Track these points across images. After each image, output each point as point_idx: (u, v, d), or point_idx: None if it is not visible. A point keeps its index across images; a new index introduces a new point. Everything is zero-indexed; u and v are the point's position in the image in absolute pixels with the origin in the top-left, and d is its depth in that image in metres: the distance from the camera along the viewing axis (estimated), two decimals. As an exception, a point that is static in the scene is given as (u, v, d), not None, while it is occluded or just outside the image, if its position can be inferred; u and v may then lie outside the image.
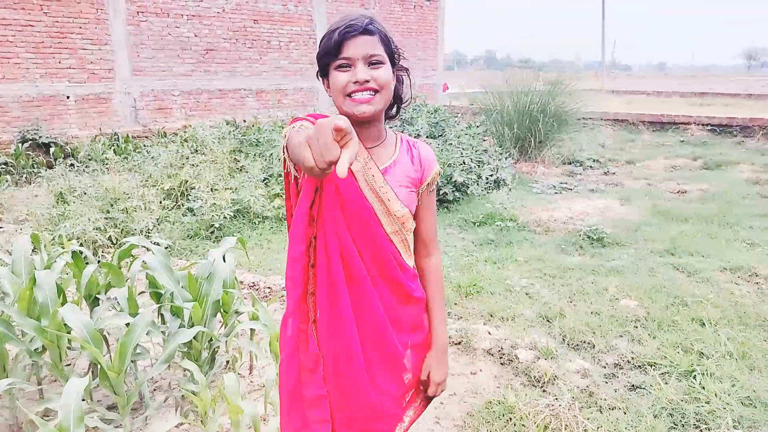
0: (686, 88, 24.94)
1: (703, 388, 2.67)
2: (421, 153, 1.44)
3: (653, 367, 2.92)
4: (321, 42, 1.30)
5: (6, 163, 8.16)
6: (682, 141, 11.49)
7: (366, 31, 1.28)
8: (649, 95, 21.91)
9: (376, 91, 1.29)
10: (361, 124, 1.35)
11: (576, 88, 9.88)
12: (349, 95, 1.28)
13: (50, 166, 8.28)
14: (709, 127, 11.92)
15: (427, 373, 1.51)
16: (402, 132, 7.82)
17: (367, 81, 1.27)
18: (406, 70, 1.44)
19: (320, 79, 1.37)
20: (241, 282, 3.99)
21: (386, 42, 1.33)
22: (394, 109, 1.46)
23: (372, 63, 1.28)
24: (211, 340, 2.57)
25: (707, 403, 2.56)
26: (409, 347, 1.49)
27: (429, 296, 1.52)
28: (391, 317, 1.41)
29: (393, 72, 1.35)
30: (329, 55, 1.28)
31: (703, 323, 3.36)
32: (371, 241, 1.35)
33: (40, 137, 8.96)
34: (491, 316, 3.60)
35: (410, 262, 1.47)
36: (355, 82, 1.26)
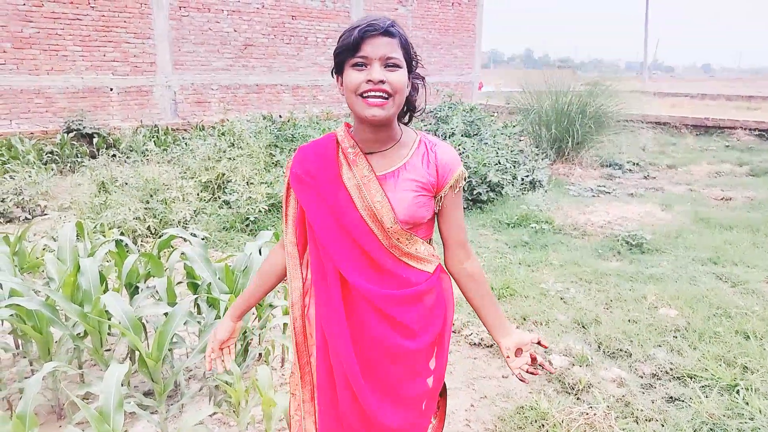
0: (732, 90, 24.08)
1: (747, 403, 2.57)
2: (438, 156, 1.37)
3: (693, 379, 2.83)
4: (340, 38, 1.29)
5: (52, 152, 8.45)
6: (728, 146, 11.10)
7: (386, 33, 1.26)
8: (692, 98, 21.23)
9: (389, 95, 1.26)
10: (371, 126, 1.33)
11: (616, 89, 9.65)
12: (362, 95, 1.26)
13: (93, 156, 8.55)
14: (757, 133, 11.49)
15: (516, 347, 1.43)
16: (436, 130, 7.72)
17: (382, 82, 1.25)
18: (423, 78, 1.41)
19: (334, 76, 1.36)
20: (275, 275, 4.03)
21: (405, 47, 1.31)
22: (407, 117, 1.44)
23: (388, 65, 1.26)
24: (245, 332, 2.61)
25: (751, 419, 2.46)
26: (435, 349, 1.46)
27: (483, 294, 1.46)
28: (403, 319, 1.37)
29: (409, 79, 1.33)
30: (346, 52, 1.27)
31: (748, 336, 3.23)
32: (365, 254, 1.34)
33: (84, 128, 9.26)
34: (524, 319, 3.55)
35: (426, 267, 1.40)
36: (368, 81, 1.25)
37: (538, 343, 1.42)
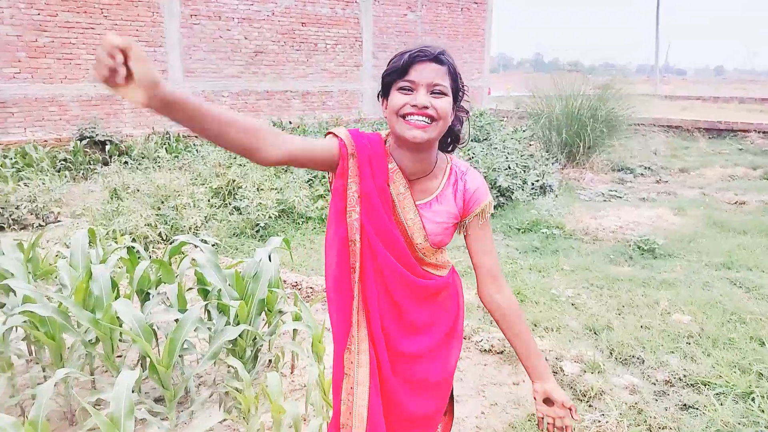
0: (745, 93, 23.82)
1: (763, 411, 2.53)
2: (467, 186, 1.40)
3: (707, 386, 2.79)
4: (390, 62, 1.31)
5: (65, 160, 8.54)
6: (741, 149, 10.98)
7: (436, 60, 1.27)
8: (705, 101, 21.02)
9: (432, 119, 1.27)
10: (411, 151, 1.33)
11: (627, 92, 9.59)
12: (404, 117, 1.27)
13: (106, 163, 8.64)
14: (771, 135, 11.35)
15: (545, 397, 1.40)
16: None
17: (426, 107, 1.25)
18: (467, 112, 1.42)
19: (380, 99, 1.36)
20: (284, 281, 4.05)
21: (454, 76, 1.31)
22: (450, 147, 1.45)
23: (434, 92, 1.27)
24: (255, 338, 2.61)
25: (767, 428, 2.42)
26: (451, 340, 1.51)
27: (518, 332, 1.41)
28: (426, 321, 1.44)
29: (453, 109, 1.33)
30: (394, 74, 1.28)
31: (763, 342, 3.18)
32: (396, 256, 1.36)
33: (96, 135, 9.35)
34: (535, 326, 3.52)
35: (441, 272, 1.46)
36: (413, 106, 1.25)
37: (569, 409, 1.38)
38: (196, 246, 2.89)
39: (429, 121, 1.26)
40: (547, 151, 8.85)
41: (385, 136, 1.42)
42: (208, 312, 2.72)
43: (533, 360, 1.41)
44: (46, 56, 9.29)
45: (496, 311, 1.42)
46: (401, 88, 1.27)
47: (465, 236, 1.44)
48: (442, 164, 1.42)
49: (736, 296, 3.89)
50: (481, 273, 1.43)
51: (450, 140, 1.43)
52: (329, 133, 1.37)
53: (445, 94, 1.28)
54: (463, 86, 1.35)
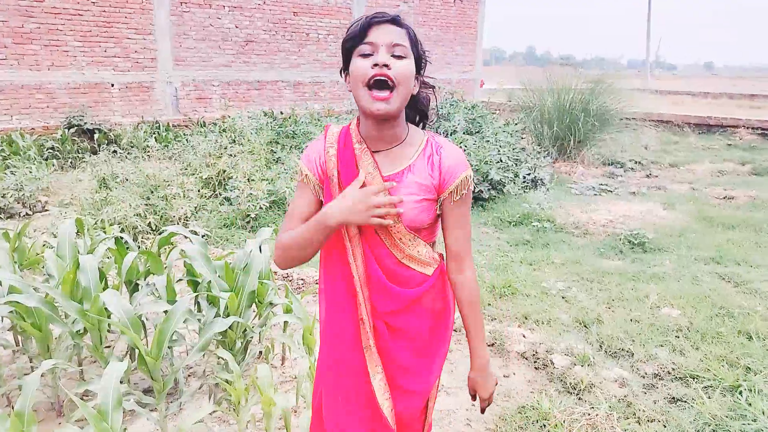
0: (735, 89, 23.98)
1: (750, 404, 2.55)
2: (443, 159, 1.32)
3: (696, 379, 2.81)
4: (348, 30, 1.29)
5: (53, 148, 8.42)
6: (730, 145, 11.07)
7: (394, 22, 1.26)
8: (695, 96, 21.15)
9: (393, 84, 1.23)
10: (377, 123, 1.30)
11: (619, 87, 9.61)
12: (369, 87, 1.23)
13: (94, 152, 8.53)
14: (760, 131, 11.45)
15: (474, 392, 1.49)
16: (438, 128, 7.66)
17: (387, 66, 1.22)
18: (433, 88, 1.40)
19: (342, 75, 1.34)
20: (275, 273, 4.02)
21: (414, 41, 1.29)
22: (420, 126, 1.43)
23: (395, 55, 1.24)
24: (245, 330, 2.59)
25: (754, 421, 2.44)
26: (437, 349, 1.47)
27: (463, 316, 1.42)
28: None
29: (416, 78, 1.31)
30: (354, 40, 1.26)
31: (751, 337, 3.21)
32: (369, 250, 1.34)
33: (85, 123, 9.22)
34: (526, 318, 3.53)
35: (426, 269, 1.38)
36: (374, 66, 1.22)
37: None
38: (185, 237, 2.87)
39: (391, 87, 1.23)
40: (538, 145, 8.87)
41: (354, 121, 1.40)
42: (198, 303, 2.70)
43: (474, 347, 1.44)
44: (33, 42, 9.13)
45: (455, 289, 1.42)
46: (362, 54, 1.25)
47: (440, 215, 1.37)
48: (417, 135, 1.36)
49: (725, 290, 3.93)
50: (448, 252, 1.40)
51: (418, 117, 1.41)
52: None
53: (406, 57, 1.25)
54: (423, 53, 1.33)
